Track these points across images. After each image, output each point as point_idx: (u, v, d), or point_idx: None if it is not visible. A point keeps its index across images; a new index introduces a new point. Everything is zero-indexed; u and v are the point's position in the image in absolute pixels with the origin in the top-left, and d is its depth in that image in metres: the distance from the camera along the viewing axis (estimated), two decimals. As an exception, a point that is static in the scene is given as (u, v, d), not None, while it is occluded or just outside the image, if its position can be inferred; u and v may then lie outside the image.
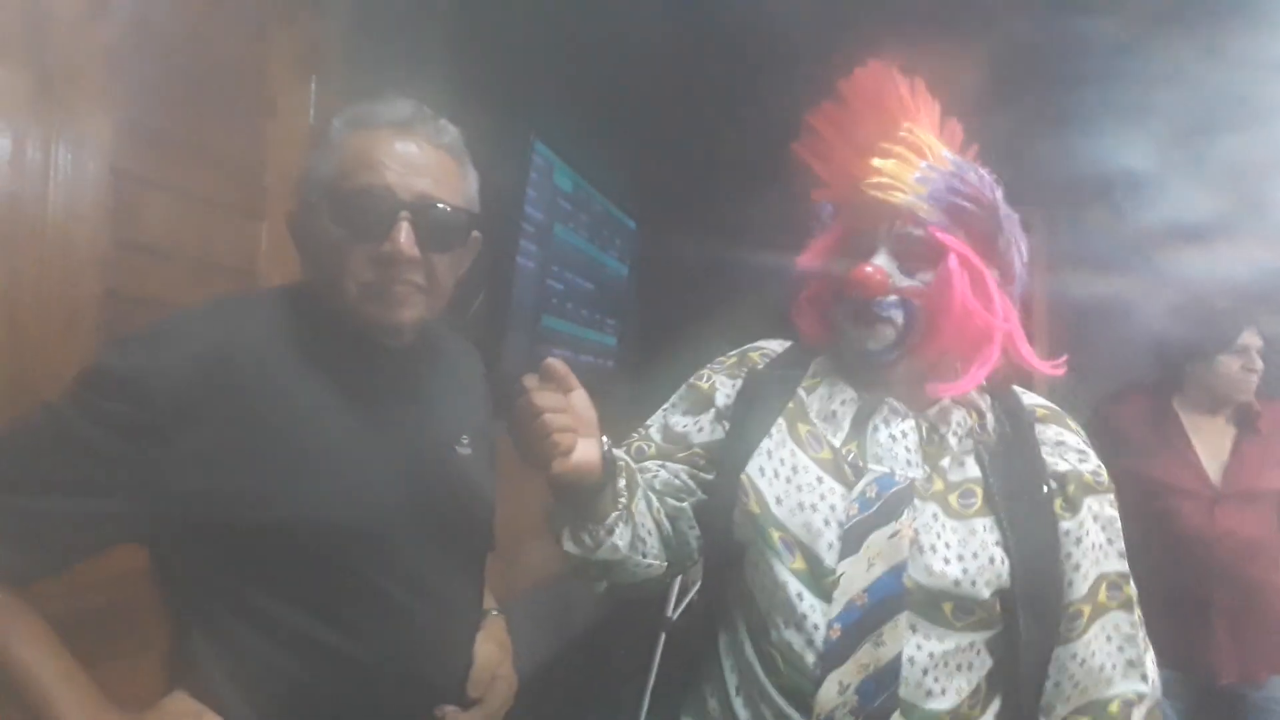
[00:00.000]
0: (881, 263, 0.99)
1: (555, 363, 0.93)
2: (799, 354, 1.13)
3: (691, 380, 1.17)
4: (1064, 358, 1.04)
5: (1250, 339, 2.07)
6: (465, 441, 1.09)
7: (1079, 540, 1.01)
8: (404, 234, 0.94)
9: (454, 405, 1.11)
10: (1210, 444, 2.11)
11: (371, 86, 1.05)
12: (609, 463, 0.98)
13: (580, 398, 0.96)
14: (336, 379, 0.97)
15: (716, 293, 3.06)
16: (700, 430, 1.12)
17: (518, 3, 2.30)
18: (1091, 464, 1.05)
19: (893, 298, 0.99)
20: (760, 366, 1.13)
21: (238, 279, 1.47)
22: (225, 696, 0.90)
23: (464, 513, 1.07)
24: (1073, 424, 1.09)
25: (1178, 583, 2.04)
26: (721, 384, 1.13)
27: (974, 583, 0.96)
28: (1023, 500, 1.00)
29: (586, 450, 0.95)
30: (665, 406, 1.18)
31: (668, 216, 3.42)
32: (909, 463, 1.01)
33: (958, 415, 1.04)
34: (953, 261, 0.98)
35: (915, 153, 1.00)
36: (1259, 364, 2.06)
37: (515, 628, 1.19)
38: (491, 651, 1.09)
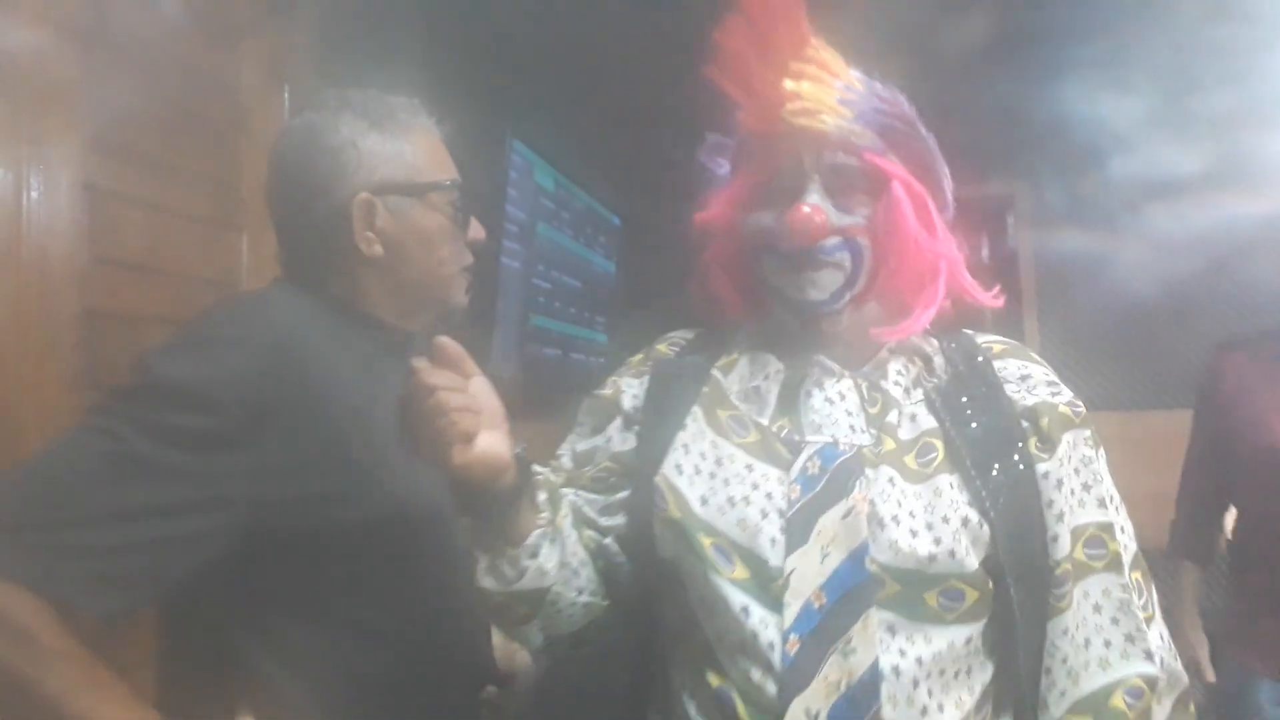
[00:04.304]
0: (816, 201, 0.83)
1: (447, 341, 0.79)
2: (711, 336, 0.98)
3: (593, 391, 0.98)
4: (998, 287, 0.91)
5: None
6: None
7: (1060, 483, 0.84)
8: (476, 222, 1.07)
9: None
10: None
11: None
12: (524, 466, 0.82)
13: (481, 384, 0.80)
14: (372, 368, 0.97)
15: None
16: (609, 441, 0.94)
17: (487, 2, 2.28)
18: (1066, 395, 0.88)
19: (835, 239, 0.83)
20: (670, 355, 0.97)
21: (220, 292, 1.46)
22: (302, 709, 0.87)
23: None
24: (1036, 356, 0.93)
25: None
26: (627, 385, 0.95)
27: (952, 553, 0.78)
28: (991, 446, 0.83)
29: (492, 441, 0.78)
30: (574, 429, 1.00)
31: (652, 211, 3.41)
32: (853, 427, 0.84)
33: (896, 365, 0.89)
34: (897, 189, 0.84)
35: (828, 71, 0.84)
36: None
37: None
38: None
